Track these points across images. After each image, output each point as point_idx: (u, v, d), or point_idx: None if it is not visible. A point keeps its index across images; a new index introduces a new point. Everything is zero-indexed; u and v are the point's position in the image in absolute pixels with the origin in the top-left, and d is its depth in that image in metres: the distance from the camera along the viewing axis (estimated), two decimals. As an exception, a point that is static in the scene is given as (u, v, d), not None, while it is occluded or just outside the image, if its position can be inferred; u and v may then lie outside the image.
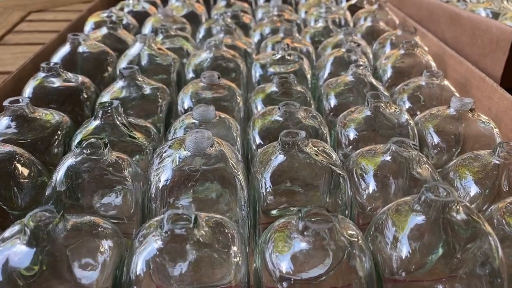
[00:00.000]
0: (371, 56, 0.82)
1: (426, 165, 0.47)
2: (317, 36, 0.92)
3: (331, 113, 0.65)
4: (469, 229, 0.38)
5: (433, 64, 0.76)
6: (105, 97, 0.61)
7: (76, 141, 0.50)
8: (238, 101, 0.64)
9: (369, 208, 0.47)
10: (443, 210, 0.37)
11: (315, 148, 0.47)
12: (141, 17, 0.99)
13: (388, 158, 0.47)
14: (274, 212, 0.48)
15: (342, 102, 0.64)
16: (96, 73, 0.72)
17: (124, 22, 0.94)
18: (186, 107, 0.63)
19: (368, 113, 0.55)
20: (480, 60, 0.86)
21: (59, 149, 0.55)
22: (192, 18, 1.03)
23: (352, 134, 0.55)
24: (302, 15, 1.11)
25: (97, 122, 0.52)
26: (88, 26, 0.90)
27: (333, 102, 0.65)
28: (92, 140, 0.44)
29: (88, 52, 0.72)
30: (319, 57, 0.83)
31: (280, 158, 0.46)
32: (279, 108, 0.55)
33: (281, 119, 0.55)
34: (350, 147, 0.55)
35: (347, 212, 0.48)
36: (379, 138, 0.55)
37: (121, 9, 1.00)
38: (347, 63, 0.73)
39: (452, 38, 1.01)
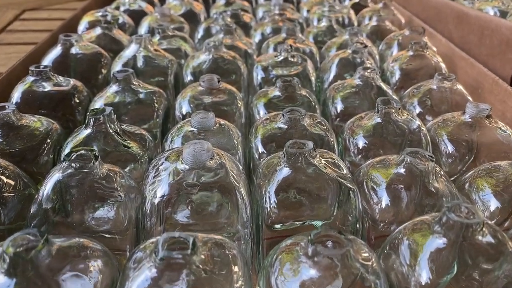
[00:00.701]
0: (377, 57, 0.78)
1: (443, 178, 0.44)
2: (320, 36, 0.88)
3: (338, 118, 0.61)
4: (493, 251, 0.35)
5: (443, 66, 0.73)
6: (98, 102, 0.57)
7: (66, 152, 0.47)
8: (239, 105, 0.61)
9: (381, 224, 0.44)
10: (467, 233, 0.33)
11: (323, 160, 0.44)
12: (137, 16, 0.95)
13: (402, 170, 0.43)
14: (278, 226, 0.45)
15: (349, 107, 0.61)
16: (89, 75, 0.69)
17: (120, 21, 0.90)
18: (184, 112, 0.60)
19: (378, 120, 0.52)
20: (489, 61, 0.83)
21: (49, 158, 0.51)
22: (191, 17, 1.00)
23: (361, 142, 0.52)
24: (304, 14, 1.07)
25: (88, 131, 0.48)
26: (82, 25, 0.87)
27: (339, 106, 0.61)
28: (82, 152, 0.41)
29: (81, 54, 0.69)
30: (323, 58, 0.80)
31: (286, 171, 0.42)
32: (283, 115, 0.51)
33: (285, 126, 0.51)
34: (359, 156, 0.52)
35: (357, 225, 0.44)
36: (390, 146, 0.52)
37: (117, 7, 0.97)
38: (353, 65, 0.70)
39: (459, 38, 0.97)
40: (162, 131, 0.61)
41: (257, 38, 0.88)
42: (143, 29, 0.87)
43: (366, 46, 0.69)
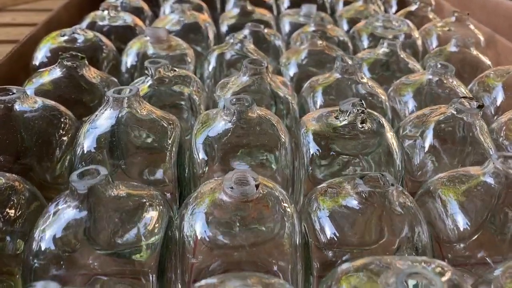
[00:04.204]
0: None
1: None
2: (379, 67, 0.63)
3: (460, 243, 0.36)
4: None
5: None
6: (49, 230, 0.32)
7: None
8: (290, 213, 0.36)
9: None
10: None
11: None
12: (122, 34, 0.69)
13: None
14: None
15: (480, 223, 0.36)
16: (40, 153, 0.43)
17: (98, 41, 0.64)
18: (198, 235, 0.34)
19: None
20: None
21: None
22: (194, 31, 0.74)
23: None
24: (344, 26, 0.81)
25: None
26: (42, 53, 0.60)
27: (462, 222, 0.36)
28: None
29: (29, 117, 0.43)
30: (391, 105, 0.55)
31: None
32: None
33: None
34: None
35: None
36: None
37: (91, 24, 0.70)
38: (457, 129, 0.45)
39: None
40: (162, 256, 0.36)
41: (291, 70, 0.62)
42: (130, 59, 0.60)
43: (481, 107, 0.44)
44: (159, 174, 0.44)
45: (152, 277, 0.37)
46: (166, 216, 0.38)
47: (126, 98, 0.40)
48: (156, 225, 0.36)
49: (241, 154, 0.43)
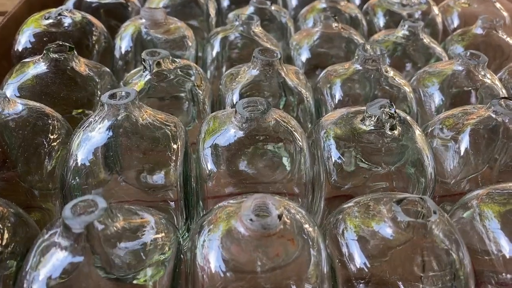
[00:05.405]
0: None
1: None
2: (398, 49, 0.57)
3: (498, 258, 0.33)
4: None
5: None
6: (41, 277, 0.28)
7: None
8: (314, 238, 0.32)
9: None
10: None
11: None
12: (114, 13, 0.62)
13: None
14: None
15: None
16: (27, 164, 0.38)
17: (86, 22, 0.57)
18: (212, 269, 0.30)
19: None
20: None
21: None
22: (192, 6, 0.67)
23: None
24: (355, 0, 0.75)
25: None
26: (24, 38, 0.53)
27: (506, 245, 0.32)
28: None
29: (12, 123, 0.37)
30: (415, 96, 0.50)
31: None
32: None
33: None
34: None
35: None
36: None
37: (79, 1, 0.63)
38: (496, 133, 0.40)
39: None
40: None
41: (303, 56, 0.56)
42: (123, 44, 0.54)
43: (526, 110, 0.39)
44: (163, 183, 0.40)
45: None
46: (173, 241, 0.33)
47: (121, 106, 0.35)
48: (164, 253, 0.32)
49: (254, 164, 0.38)
